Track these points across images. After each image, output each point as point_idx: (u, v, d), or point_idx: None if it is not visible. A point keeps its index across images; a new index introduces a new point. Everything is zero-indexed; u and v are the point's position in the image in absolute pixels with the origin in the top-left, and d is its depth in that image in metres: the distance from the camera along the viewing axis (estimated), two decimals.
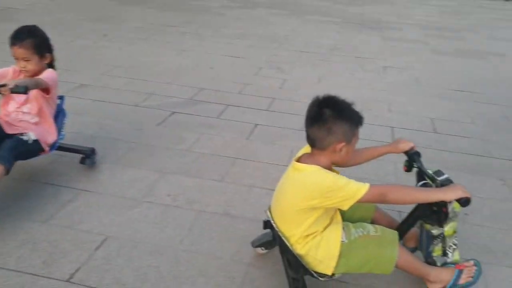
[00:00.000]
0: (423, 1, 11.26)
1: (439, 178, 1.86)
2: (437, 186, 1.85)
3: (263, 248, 2.12)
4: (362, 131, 1.80)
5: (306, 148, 1.84)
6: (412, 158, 2.06)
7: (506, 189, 2.95)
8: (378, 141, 3.33)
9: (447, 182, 1.83)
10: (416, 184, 2.00)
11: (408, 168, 2.08)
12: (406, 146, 2.08)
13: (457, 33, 7.85)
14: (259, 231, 2.08)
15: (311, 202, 1.69)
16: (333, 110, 1.69)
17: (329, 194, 1.65)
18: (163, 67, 4.89)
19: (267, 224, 1.92)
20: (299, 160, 1.81)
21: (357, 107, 1.78)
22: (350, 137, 1.73)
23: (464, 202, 1.74)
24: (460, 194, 1.73)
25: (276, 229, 1.82)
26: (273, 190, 1.93)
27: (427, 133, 3.74)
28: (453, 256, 1.94)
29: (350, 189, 1.65)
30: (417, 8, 10.30)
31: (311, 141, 1.76)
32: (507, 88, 5.02)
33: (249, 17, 7.97)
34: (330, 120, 1.68)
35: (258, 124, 3.63)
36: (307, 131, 1.75)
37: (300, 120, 2.02)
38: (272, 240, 1.98)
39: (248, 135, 3.44)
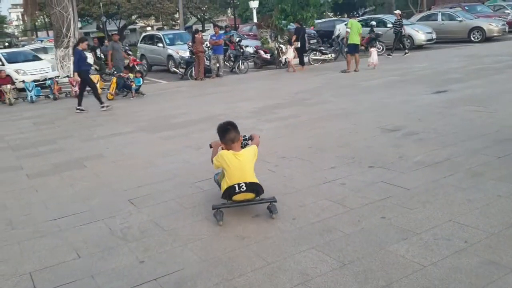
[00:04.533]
0: None
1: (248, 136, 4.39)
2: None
3: (221, 221, 3.91)
4: None
5: (225, 151, 3.98)
6: None
7: None
8: None
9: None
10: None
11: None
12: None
13: (53, 145, 7.47)
14: None
15: (254, 161, 4.01)
16: (232, 125, 4.03)
17: (256, 154, 4.03)
18: None
19: (245, 186, 3.92)
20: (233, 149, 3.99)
21: None
22: None
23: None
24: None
25: (252, 182, 3.94)
26: None
27: None
28: None
29: (257, 148, 4.09)
30: None
31: (232, 140, 3.96)
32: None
33: None
34: (235, 128, 4.01)
35: None
36: (229, 135, 3.96)
37: None
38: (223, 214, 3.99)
39: None
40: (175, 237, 3.74)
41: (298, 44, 15.68)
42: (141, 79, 12.79)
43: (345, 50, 15.32)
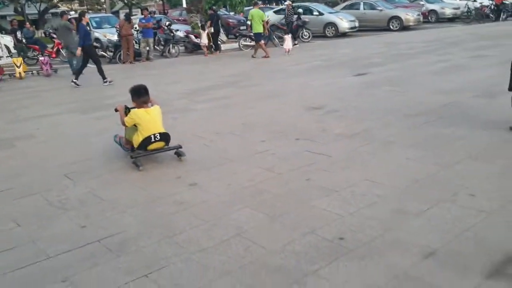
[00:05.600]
0: None
1: None
2: None
3: (142, 166, 4.66)
4: None
5: (137, 110, 4.72)
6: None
7: None
8: None
9: None
10: None
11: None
12: None
13: None
14: None
15: (161, 117, 4.83)
16: (145, 88, 4.79)
17: (160, 112, 4.84)
18: None
19: (159, 136, 4.72)
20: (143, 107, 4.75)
21: None
22: None
23: None
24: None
25: (164, 132, 4.77)
26: None
27: None
28: None
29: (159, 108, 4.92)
30: None
31: (145, 100, 4.75)
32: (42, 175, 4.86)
33: None
34: (147, 91, 4.78)
35: None
36: (144, 97, 4.74)
37: None
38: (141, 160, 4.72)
39: None
40: (114, 205, 3.90)
41: (212, 30, 16.40)
42: None
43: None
